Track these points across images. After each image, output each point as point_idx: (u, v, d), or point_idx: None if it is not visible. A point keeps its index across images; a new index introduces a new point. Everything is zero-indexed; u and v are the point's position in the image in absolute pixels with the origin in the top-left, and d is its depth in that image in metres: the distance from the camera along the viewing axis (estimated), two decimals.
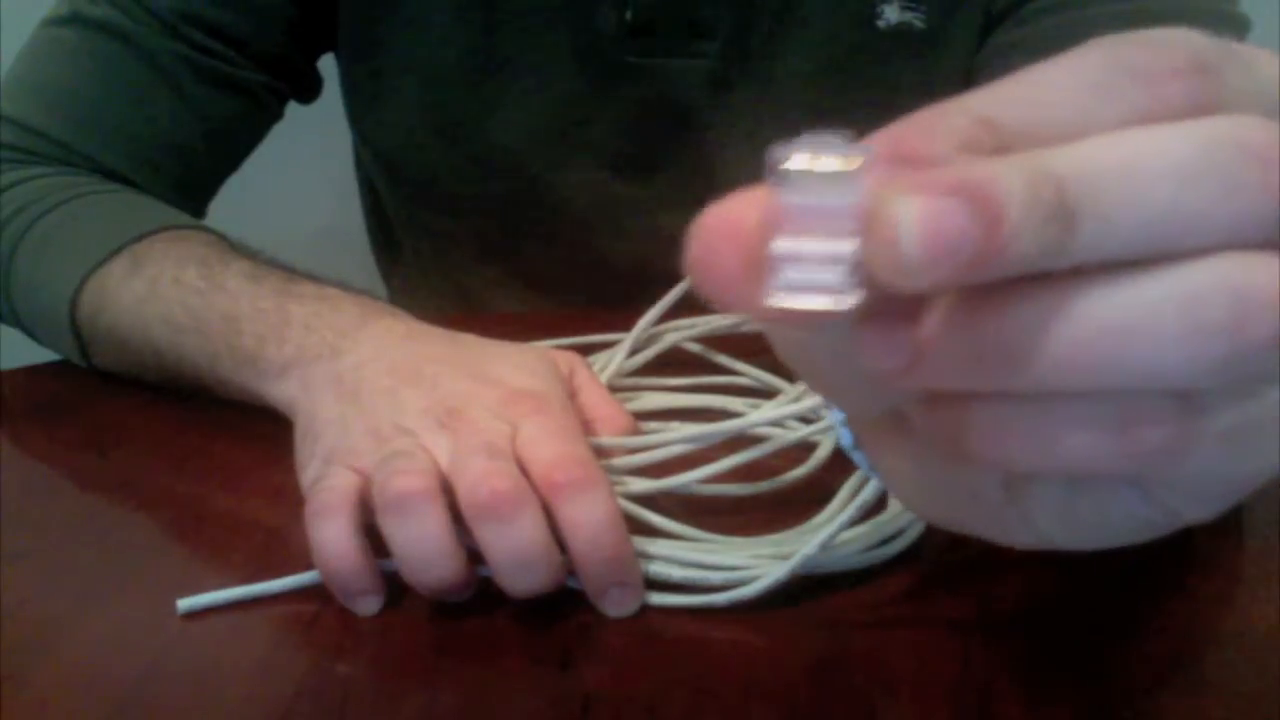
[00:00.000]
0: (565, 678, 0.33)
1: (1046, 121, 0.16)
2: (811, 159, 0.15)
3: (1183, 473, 0.17)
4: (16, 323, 0.56)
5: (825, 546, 0.36)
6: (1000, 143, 0.16)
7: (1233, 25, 0.56)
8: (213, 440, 0.48)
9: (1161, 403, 0.16)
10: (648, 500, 0.39)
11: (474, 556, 0.35)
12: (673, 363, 0.53)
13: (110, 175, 0.58)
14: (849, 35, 0.60)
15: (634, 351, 0.52)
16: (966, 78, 0.60)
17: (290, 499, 0.39)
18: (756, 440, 0.41)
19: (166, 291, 0.49)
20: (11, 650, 0.35)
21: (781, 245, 0.16)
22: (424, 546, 0.34)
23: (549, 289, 0.71)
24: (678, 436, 0.41)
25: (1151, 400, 0.16)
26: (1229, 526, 0.41)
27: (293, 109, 0.67)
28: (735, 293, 0.17)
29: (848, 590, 0.37)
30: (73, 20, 0.59)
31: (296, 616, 0.36)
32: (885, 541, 0.38)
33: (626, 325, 0.52)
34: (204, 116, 0.61)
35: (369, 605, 0.36)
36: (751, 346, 0.52)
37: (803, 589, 0.36)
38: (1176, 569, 0.38)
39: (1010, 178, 0.15)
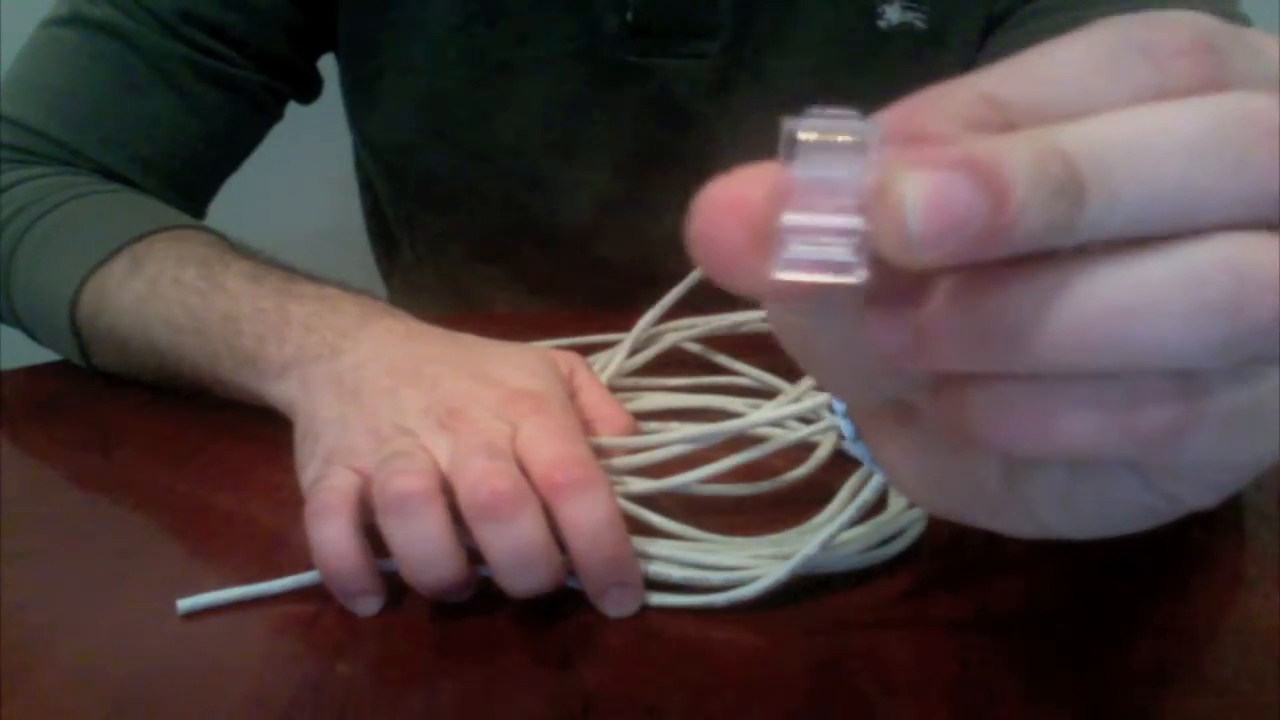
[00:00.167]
0: (565, 678, 0.33)
1: (1053, 99, 0.16)
2: (821, 132, 0.15)
3: (1184, 456, 0.17)
4: (16, 323, 0.56)
5: (825, 546, 0.36)
6: (1007, 120, 0.16)
7: (1234, 26, 0.56)
8: (213, 440, 0.48)
9: (1164, 384, 0.16)
10: (648, 500, 0.39)
11: (474, 556, 0.35)
12: (673, 363, 0.53)
13: (110, 175, 0.58)
14: (850, 35, 0.60)
15: (634, 351, 0.52)
16: None
17: (290, 499, 0.39)
18: (756, 440, 0.41)
19: (166, 291, 0.49)
20: (11, 650, 0.35)
21: (789, 219, 0.16)
22: (424, 546, 0.34)
23: (549, 289, 0.71)
24: (678, 436, 0.41)
25: (1154, 382, 0.16)
26: (1229, 526, 0.41)
27: (293, 109, 0.67)
28: (740, 267, 0.16)
29: (848, 590, 0.37)
30: (73, 20, 0.59)
31: (296, 616, 0.36)
32: (885, 541, 0.38)
33: (626, 325, 0.52)
34: (204, 116, 0.61)
35: (369, 605, 0.36)
36: (751, 346, 0.52)
37: (803, 589, 0.36)
38: (1176, 569, 0.38)
39: (1017, 153, 0.15)
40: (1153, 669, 0.33)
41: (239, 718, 0.32)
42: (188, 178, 0.62)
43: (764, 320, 0.46)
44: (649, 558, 0.37)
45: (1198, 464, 0.18)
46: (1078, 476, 0.19)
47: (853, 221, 0.15)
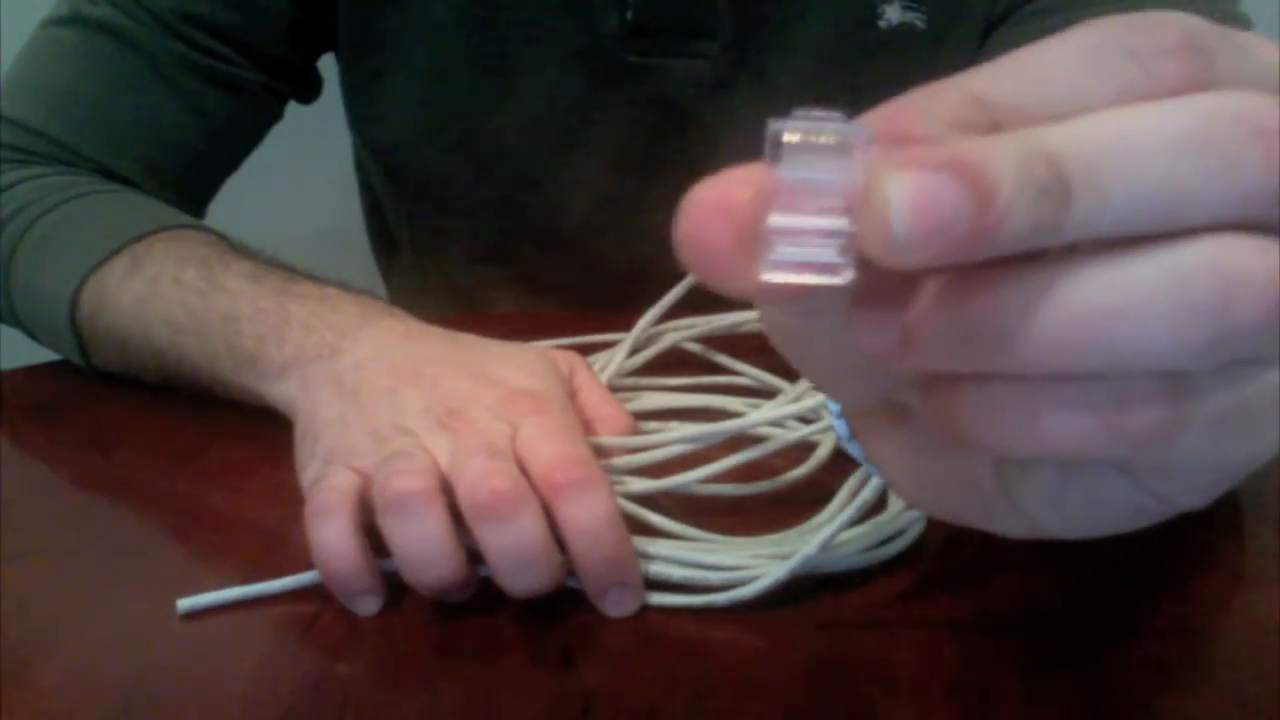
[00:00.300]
0: (565, 678, 0.33)
1: (1040, 99, 0.16)
2: (808, 134, 0.15)
3: (1173, 457, 0.17)
4: (16, 323, 0.56)
5: (825, 546, 0.36)
6: (993, 121, 0.16)
7: (1233, 25, 0.56)
8: (213, 440, 0.48)
9: (1151, 385, 0.16)
10: (648, 500, 0.39)
11: (474, 556, 0.35)
12: (673, 363, 0.53)
13: (110, 175, 0.58)
14: (850, 35, 0.60)
15: (634, 351, 0.52)
16: None
17: (290, 499, 0.39)
18: (756, 440, 0.41)
19: (166, 291, 0.49)
20: (11, 650, 0.35)
21: (776, 220, 0.16)
22: (424, 546, 0.34)
23: (549, 289, 0.71)
24: (678, 436, 0.41)
25: (1141, 383, 0.16)
26: (1229, 526, 0.41)
27: (293, 109, 0.67)
28: (727, 269, 0.16)
29: (848, 590, 0.37)
30: (73, 20, 0.59)
31: (296, 616, 0.36)
32: (885, 541, 0.38)
33: (626, 325, 0.52)
34: (204, 116, 0.61)
35: (369, 605, 0.36)
36: (751, 346, 0.52)
37: (803, 589, 0.36)
38: (1176, 569, 0.38)
39: (1003, 154, 0.15)
40: (1153, 669, 0.33)
41: (239, 718, 0.32)
42: (187, 178, 0.62)
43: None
44: (649, 558, 0.37)
45: (1186, 464, 0.18)
46: (1068, 477, 0.19)
47: (839, 223, 0.15)
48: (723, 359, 0.53)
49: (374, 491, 0.36)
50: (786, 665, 0.33)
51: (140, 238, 0.52)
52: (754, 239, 0.16)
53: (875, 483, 0.37)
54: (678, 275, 0.50)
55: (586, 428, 0.41)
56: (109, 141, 0.58)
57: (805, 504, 0.40)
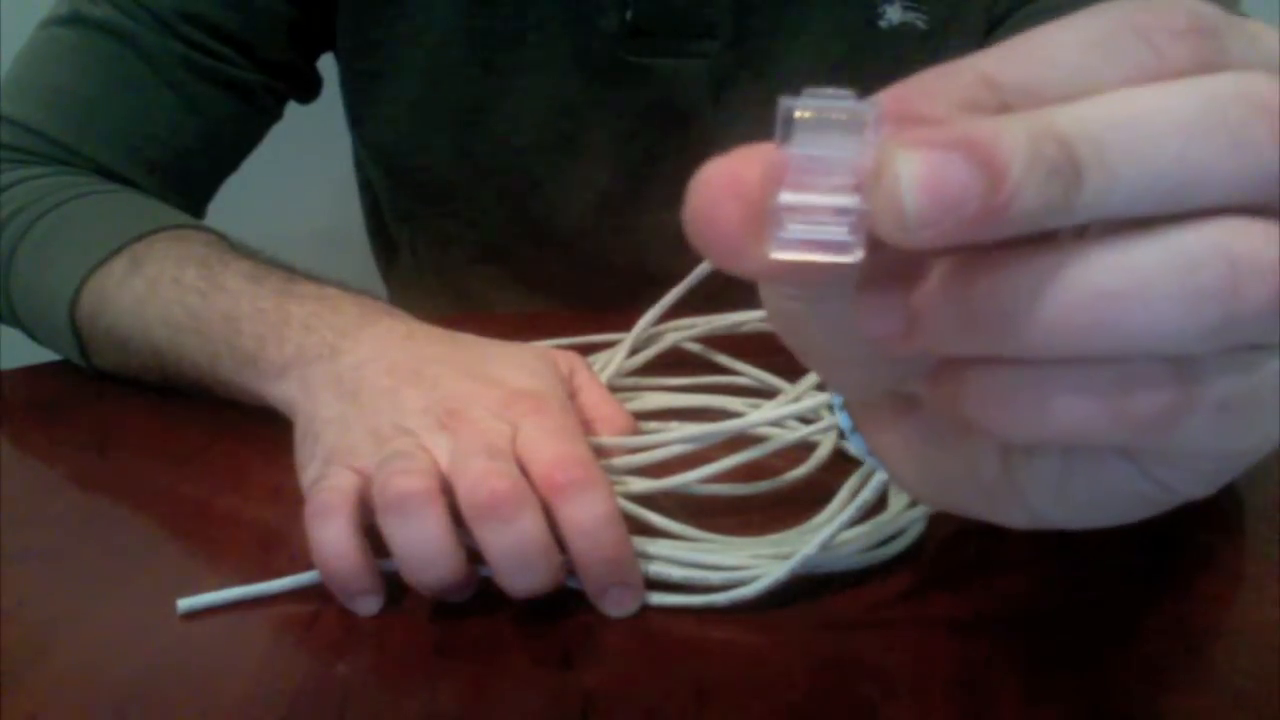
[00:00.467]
0: (565, 678, 0.33)
1: (1050, 81, 0.16)
2: (819, 111, 0.15)
3: (1178, 443, 0.17)
4: (16, 323, 0.56)
5: (825, 546, 0.36)
6: (1003, 101, 0.16)
7: None
8: (213, 440, 0.48)
9: (1158, 370, 0.16)
10: (648, 500, 0.39)
11: (474, 556, 0.35)
12: (673, 363, 0.53)
13: (110, 175, 0.58)
14: (850, 35, 0.60)
15: (634, 351, 0.52)
16: None
17: (290, 499, 0.39)
18: (756, 440, 0.41)
19: (166, 292, 0.49)
20: (11, 650, 0.35)
21: (786, 197, 0.16)
22: (424, 546, 0.34)
23: (549, 289, 0.71)
24: (678, 436, 0.41)
25: (1148, 367, 0.16)
26: (1229, 526, 0.41)
27: (293, 109, 0.67)
28: (736, 247, 0.16)
29: (848, 590, 0.37)
30: (73, 20, 0.59)
31: (296, 616, 0.36)
32: (885, 541, 0.38)
33: (626, 325, 0.52)
34: (204, 116, 0.61)
35: (369, 605, 0.36)
36: (751, 346, 0.52)
37: (803, 589, 0.36)
38: (1176, 569, 0.38)
39: (1013, 133, 0.15)
40: (1153, 669, 0.33)
41: (239, 718, 0.32)
42: (187, 177, 0.62)
43: (764, 320, 0.46)
44: (649, 558, 0.37)
45: (1191, 451, 0.18)
46: (1072, 464, 0.19)
47: (849, 201, 0.15)
48: (723, 359, 0.53)
49: (374, 491, 0.36)
50: (786, 665, 0.33)
51: (140, 238, 0.52)
52: (763, 217, 0.16)
53: (875, 483, 0.37)
54: (678, 275, 0.50)
55: (586, 428, 0.41)
56: (109, 141, 0.58)
57: (805, 504, 0.40)
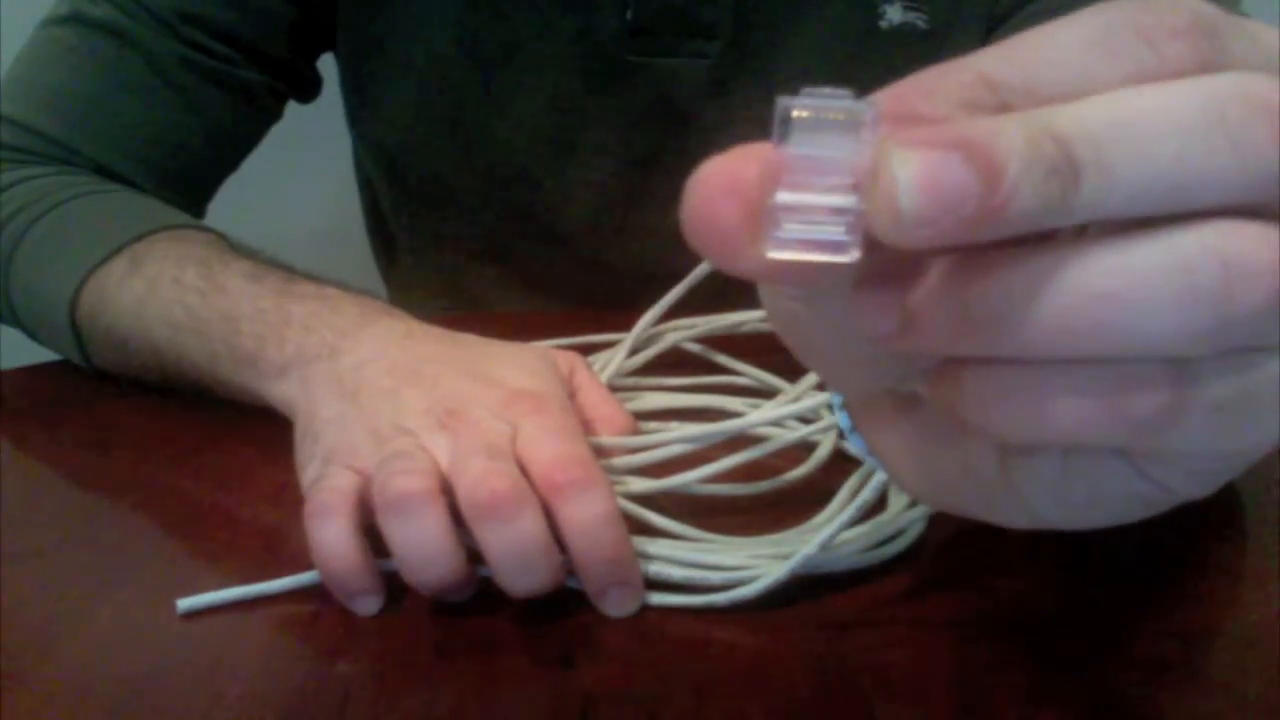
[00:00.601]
0: (565, 678, 0.33)
1: (1050, 80, 0.16)
2: (816, 111, 0.15)
3: (1175, 445, 0.17)
4: (16, 323, 0.56)
5: (825, 546, 0.36)
6: (1002, 101, 0.16)
7: None
8: (213, 440, 0.48)
9: (1154, 371, 0.16)
10: (648, 500, 0.39)
11: (474, 556, 0.35)
12: (673, 363, 0.53)
13: (110, 175, 0.58)
14: (851, 36, 0.60)
15: (634, 351, 0.52)
16: None
17: (290, 499, 0.39)
18: (756, 440, 0.41)
19: (166, 291, 0.49)
20: (11, 650, 0.35)
21: (783, 197, 0.16)
22: (424, 547, 0.34)
23: (549, 289, 0.71)
24: (678, 436, 0.41)
25: (1144, 369, 0.16)
26: (1229, 527, 0.41)
27: (293, 109, 0.67)
28: (733, 246, 0.16)
29: (848, 590, 0.37)
30: (73, 20, 0.59)
31: (296, 616, 0.36)
32: (885, 541, 0.38)
33: (626, 325, 0.52)
34: (204, 116, 0.61)
35: (369, 605, 0.36)
36: (751, 346, 0.52)
37: (803, 589, 0.36)
38: (1176, 570, 0.38)
39: (1011, 133, 0.15)
40: (1153, 669, 0.33)
41: (239, 718, 0.32)
42: (187, 177, 0.62)
43: (764, 320, 0.46)
44: (649, 558, 0.37)
45: (1189, 452, 0.18)
46: (1070, 465, 0.19)
47: (846, 200, 0.15)
48: (723, 359, 0.53)
49: (374, 491, 0.36)
50: (786, 665, 0.33)
51: (140, 237, 0.52)
52: (760, 216, 0.16)
53: (875, 483, 0.37)
54: (678, 275, 0.50)
55: (586, 428, 0.41)
56: (108, 141, 0.58)
57: (805, 504, 0.40)
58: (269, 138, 0.67)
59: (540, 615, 0.36)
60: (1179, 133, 0.15)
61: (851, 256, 0.16)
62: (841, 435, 0.44)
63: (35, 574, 0.39)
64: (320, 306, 0.45)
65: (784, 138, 0.15)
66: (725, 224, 0.16)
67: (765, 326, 0.50)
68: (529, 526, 0.34)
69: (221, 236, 0.53)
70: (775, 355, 0.51)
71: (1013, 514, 0.20)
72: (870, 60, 0.60)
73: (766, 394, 0.50)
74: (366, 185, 0.76)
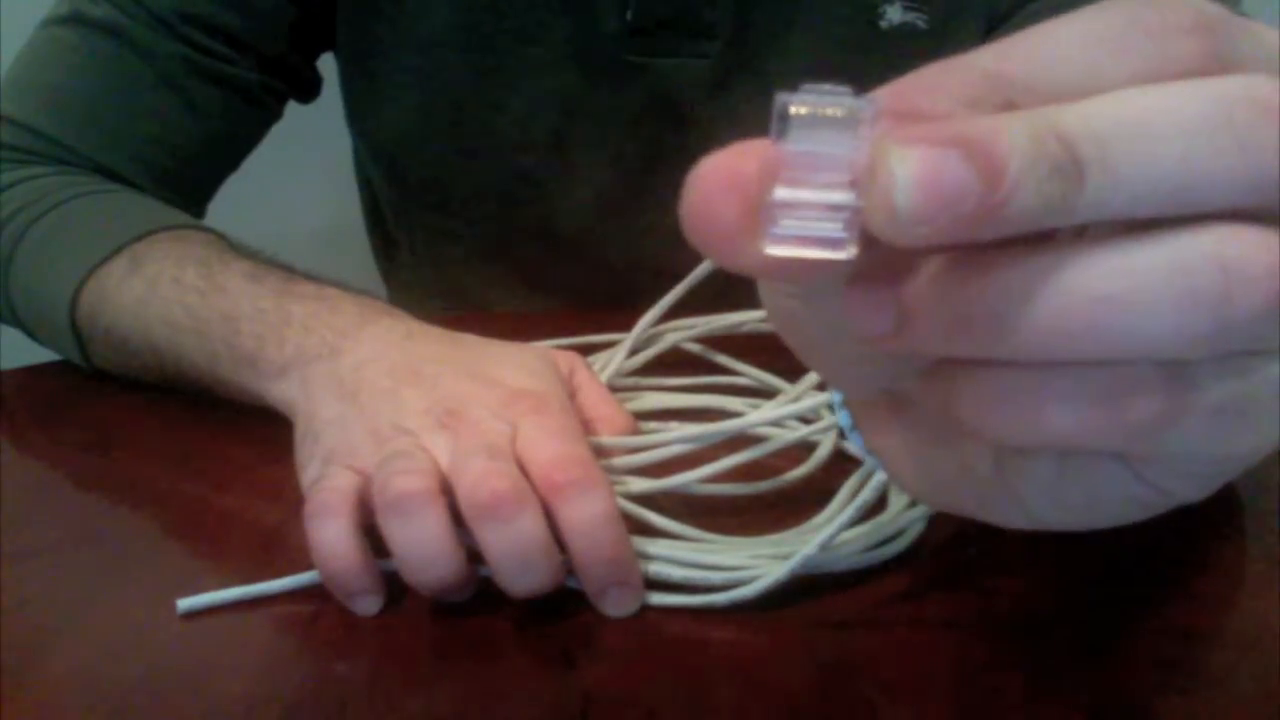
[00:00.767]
0: (565, 678, 0.33)
1: (1054, 79, 0.16)
2: (815, 107, 0.15)
3: (1172, 448, 0.17)
4: (16, 323, 0.56)
5: (825, 546, 0.36)
6: (1007, 99, 0.16)
7: None
8: (213, 440, 0.48)
9: (1151, 375, 0.16)
10: (648, 500, 0.39)
11: (474, 556, 0.35)
12: (673, 363, 0.53)
13: (110, 175, 0.58)
14: (851, 35, 0.60)
15: (634, 351, 0.52)
16: None
17: (290, 499, 0.39)
18: (756, 440, 0.41)
19: (166, 291, 0.49)
20: (11, 650, 0.35)
21: (781, 193, 0.16)
22: (424, 547, 0.34)
23: (549, 289, 0.71)
24: (678, 436, 0.41)
25: (1141, 372, 0.16)
26: (1229, 527, 0.41)
27: (293, 109, 0.67)
28: (731, 243, 0.16)
29: (848, 590, 0.37)
30: (73, 20, 0.59)
31: (296, 616, 0.36)
32: (885, 541, 0.38)
33: (626, 325, 0.52)
34: (203, 116, 0.61)
35: (369, 605, 0.36)
36: (751, 346, 0.52)
37: (803, 589, 0.36)
38: (1176, 569, 0.38)
39: (1014, 132, 0.15)
40: (1153, 669, 0.33)
41: (239, 718, 0.32)
42: (187, 177, 0.62)
43: (764, 320, 0.46)
44: (649, 558, 0.37)
45: (1185, 455, 0.18)
46: (1067, 467, 0.19)
47: (844, 197, 0.15)
48: (723, 359, 0.53)
49: (374, 491, 0.36)
50: (786, 665, 0.33)
51: (140, 237, 0.52)
52: (758, 212, 0.16)
53: (875, 483, 0.37)
54: (678, 274, 0.50)
55: (586, 428, 0.41)
56: (108, 141, 0.58)
57: (805, 504, 0.40)
58: (269, 138, 0.67)
59: (540, 615, 0.36)
60: (1185, 134, 0.15)
61: (849, 254, 0.16)
62: (842, 435, 0.44)
63: (35, 574, 0.39)
64: (320, 307, 0.45)
65: (782, 134, 0.15)
66: (723, 220, 0.16)
67: (765, 326, 0.50)
68: (529, 526, 0.34)
69: (221, 236, 0.53)
70: (775, 355, 0.51)
71: (1010, 514, 0.20)
72: (870, 60, 0.60)
73: (766, 394, 0.50)
74: (366, 185, 0.76)
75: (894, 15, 0.60)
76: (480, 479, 0.34)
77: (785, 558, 0.36)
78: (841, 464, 0.43)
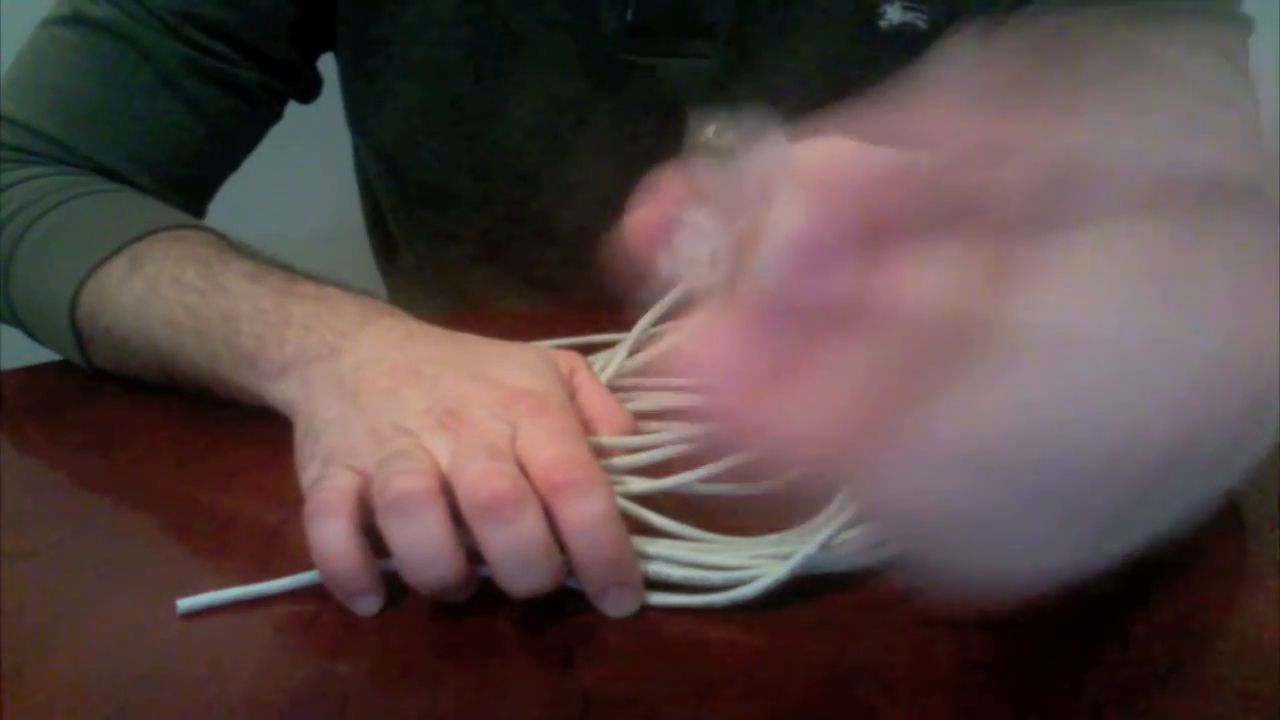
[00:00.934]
0: (565, 678, 0.33)
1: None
2: (718, 139, 0.16)
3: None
4: (16, 322, 0.56)
5: (825, 546, 0.36)
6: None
7: (1235, 25, 0.56)
8: (213, 440, 0.48)
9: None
10: (648, 500, 0.39)
11: (474, 556, 0.35)
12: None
13: (110, 175, 0.58)
14: (851, 36, 0.60)
15: (634, 351, 0.52)
16: None
17: (290, 499, 0.39)
18: None
19: (166, 291, 0.49)
20: (11, 650, 0.35)
21: (681, 216, 0.17)
22: (424, 547, 0.34)
23: (549, 289, 0.71)
24: (678, 436, 0.41)
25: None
26: (1229, 526, 0.40)
27: (293, 109, 0.67)
28: (644, 259, 0.18)
29: (848, 590, 0.37)
30: (73, 20, 0.59)
31: (296, 616, 0.36)
32: (885, 541, 0.38)
33: (626, 325, 0.52)
34: (204, 116, 0.61)
35: (369, 605, 0.36)
36: None
37: (803, 589, 0.36)
38: (1177, 569, 0.38)
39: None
40: (1154, 669, 0.33)
41: (239, 718, 0.32)
42: (187, 177, 0.62)
43: None
44: (649, 558, 0.37)
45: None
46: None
47: (730, 226, 0.16)
48: None
49: (374, 491, 0.36)
50: (786, 665, 0.33)
51: (140, 237, 0.52)
52: (662, 233, 0.17)
53: None
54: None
55: (586, 428, 0.41)
56: (109, 141, 0.58)
57: (805, 504, 0.40)
58: (269, 138, 0.67)
59: (540, 615, 0.36)
60: None
61: (723, 280, 0.16)
62: None
63: (35, 574, 0.39)
64: (320, 307, 0.45)
65: (694, 162, 0.16)
66: (642, 237, 0.18)
67: None
68: (529, 527, 0.34)
69: (222, 236, 0.53)
70: None
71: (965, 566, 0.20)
72: (870, 60, 0.60)
73: None
74: (366, 185, 0.76)
75: (894, 15, 0.60)
76: (480, 479, 0.34)
77: (785, 558, 0.36)
78: None
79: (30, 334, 0.56)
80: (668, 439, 0.41)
